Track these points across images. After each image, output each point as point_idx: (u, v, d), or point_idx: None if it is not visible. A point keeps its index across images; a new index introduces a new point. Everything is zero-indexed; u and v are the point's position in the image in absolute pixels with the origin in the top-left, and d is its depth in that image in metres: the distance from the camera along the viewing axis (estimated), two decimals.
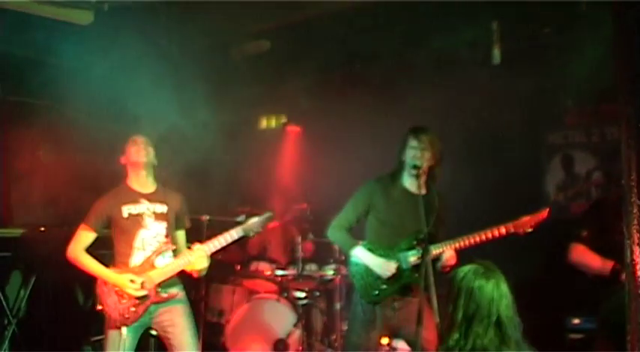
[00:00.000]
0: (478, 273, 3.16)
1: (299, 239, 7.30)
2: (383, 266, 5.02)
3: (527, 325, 3.21)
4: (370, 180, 5.31)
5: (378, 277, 5.04)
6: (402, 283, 5.04)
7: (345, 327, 6.47)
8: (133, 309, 5.05)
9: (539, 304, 5.96)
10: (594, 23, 5.40)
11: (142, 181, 5.32)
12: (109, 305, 5.06)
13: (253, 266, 7.48)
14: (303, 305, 7.04)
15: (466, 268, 3.22)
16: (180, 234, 5.48)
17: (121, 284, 5.05)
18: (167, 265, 5.15)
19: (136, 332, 5.12)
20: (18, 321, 6.86)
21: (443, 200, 5.07)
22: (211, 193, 7.31)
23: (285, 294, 6.98)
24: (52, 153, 7.36)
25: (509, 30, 6.38)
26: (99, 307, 5.12)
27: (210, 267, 5.35)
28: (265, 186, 8.29)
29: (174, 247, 5.27)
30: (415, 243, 5.01)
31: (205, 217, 6.59)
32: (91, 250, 5.22)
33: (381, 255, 5.07)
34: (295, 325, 6.74)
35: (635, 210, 2.99)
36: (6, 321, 6.80)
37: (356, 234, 5.28)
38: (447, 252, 4.93)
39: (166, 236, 5.26)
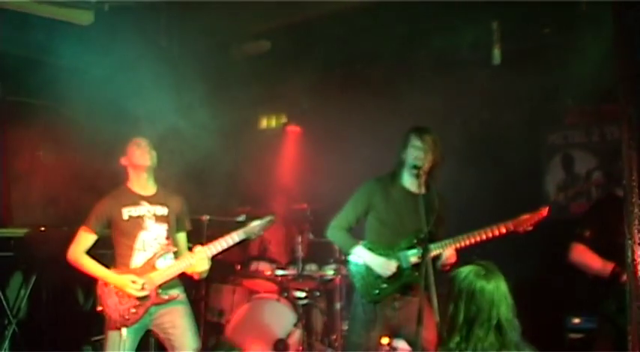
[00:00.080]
0: (479, 275, 3.15)
1: (299, 239, 7.30)
2: (383, 266, 5.02)
3: (527, 325, 3.21)
4: (370, 179, 5.31)
5: (379, 276, 5.04)
6: (403, 282, 5.04)
7: (345, 327, 6.48)
8: (133, 310, 5.04)
9: (540, 304, 5.97)
10: (594, 23, 5.40)
11: (143, 183, 5.32)
12: (110, 306, 5.06)
13: (253, 266, 7.48)
14: (304, 305, 7.04)
15: (467, 269, 3.21)
16: (181, 237, 5.47)
17: (122, 284, 5.04)
18: (168, 267, 5.15)
19: (136, 333, 5.11)
20: (18, 321, 6.86)
21: (442, 199, 5.07)
22: (211, 193, 7.31)
23: (286, 294, 6.98)
24: (52, 154, 7.37)
25: (509, 30, 6.38)
26: (99, 308, 5.12)
27: (210, 268, 5.36)
28: (265, 186, 8.29)
29: (175, 249, 5.26)
30: (415, 242, 5.02)
31: (205, 217, 6.60)
32: (91, 250, 5.22)
33: (381, 255, 5.07)
34: (295, 325, 6.74)
35: (636, 211, 2.99)
36: (6, 321, 6.80)
37: (355, 234, 5.28)
38: (447, 251, 4.94)
39: (167, 238, 5.26)
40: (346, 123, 7.72)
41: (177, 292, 5.22)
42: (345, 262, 5.56)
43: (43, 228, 6.90)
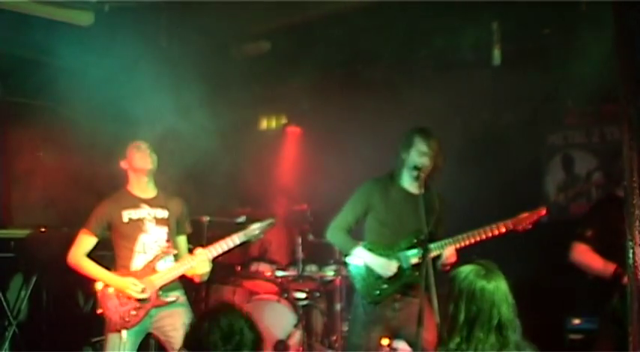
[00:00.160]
0: (479, 275, 3.13)
1: (299, 240, 7.29)
2: (384, 266, 5.02)
3: (527, 325, 3.21)
4: (368, 180, 5.31)
5: (379, 277, 5.04)
6: (403, 282, 5.05)
7: (345, 328, 6.48)
8: (133, 313, 5.04)
9: (540, 304, 5.96)
10: (594, 24, 5.39)
11: (143, 186, 5.32)
12: (110, 308, 5.06)
13: (253, 267, 7.47)
14: (304, 306, 7.03)
15: (467, 269, 3.19)
16: (182, 240, 5.48)
17: (122, 287, 5.04)
18: (169, 269, 5.15)
19: (136, 336, 5.11)
20: (18, 322, 6.86)
21: (442, 199, 5.09)
22: (211, 194, 7.31)
23: (286, 295, 6.97)
24: (52, 154, 7.36)
25: (509, 31, 6.37)
26: (99, 311, 5.11)
27: (210, 269, 5.36)
28: (265, 186, 8.29)
29: (175, 252, 5.26)
30: (415, 242, 5.02)
31: (206, 218, 6.59)
32: (91, 252, 5.22)
33: (381, 255, 5.08)
34: (295, 326, 6.73)
35: (637, 212, 2.98)
36: (6, 322, 6.80)
37: (354, 235, 5.29)
38: (447, 250, 4.94)
39: (167, 241, 5.26)
40: (346, 123, 7.72)
41: (177, 294, 5.21)
42: (345, 263, 5.56)
43: (43, 229, 6.90)
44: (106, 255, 5.27)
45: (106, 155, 5.87)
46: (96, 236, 5.21)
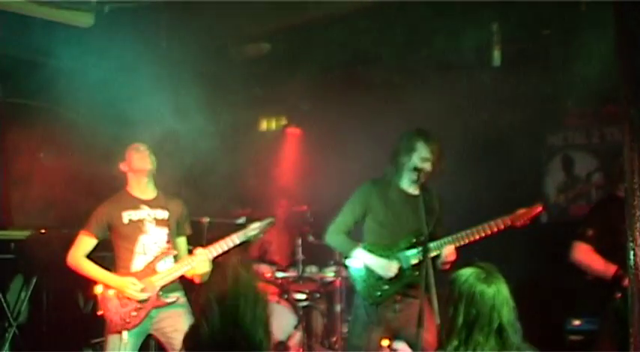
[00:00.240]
0: (479, 278, 3.11)
1: (299, 241, 7.29)
2: (385, 267, 5.03)
3: (527, 326, 3.20)
4: (366, 182, 5.31)
5: (380, 278, 5.05)
6: (404, 283, 5.05)
7: (345, 329, 6.49)
8: (134, 314, 5.04)
9: (540, 305, 5.97)
10: (595, 24, 5.40)
11: (143, 188, 5.32)
12: (110, 309, 5.05)
13: (253, 268, 7.47)
14: (304, 307, 7.03)
15: (467, 272, 3.16)
16: (182, 241, 5.47)
17: (122, 286, 5.04)
18: (169, 270, 5.15)
19: (137, 337, 5.11)
20: (18, 324, 6.85)
21: (440, 200, 5.10)
22: (211, 196, 7.29)
23: (286, 296, 6.97)
24: (52, 155, 7.35)
25: (509, 32, 6.38)
26: (100, 312, 5.11)
27: (210, 271, 5.35)
28: (265, 187, 8.28)
29: (175, 252, 5.26)
30: (414, 241, 5.03)
31: (205, 219, 6.58)
32: (91, 253, 5.21)
33: (381, 256, 5.08)
34: (296, 327, 6.73)
35: (638, 213, 2.97)
36: (7, 324, 6.79)
37: (353, 236, 5.29)
38: (446, 249, 4.96)
39: (167, 242, 5.25)
40: (346, 124, 7.72)
41: (177, 295, 5.21)
42: (346, 265, 5.56)
43: (43, 231, 6.89)
44: (106, 256, 5.27)
45: (105, 156, 5.87)
46: (96, 237, 5.21)
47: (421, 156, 5.05)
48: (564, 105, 7.16)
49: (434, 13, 6.08)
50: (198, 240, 5.76)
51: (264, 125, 9.13)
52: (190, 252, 5.33)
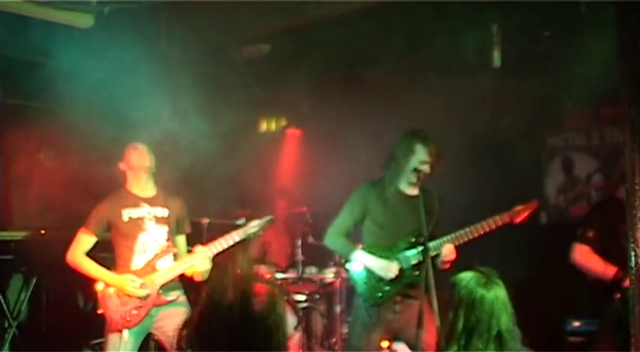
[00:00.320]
0: (479, 283, 3.11)
1: (299, 242, 7.29)
2: (385, 268, 5.02)
3: (527, 328, 3.20)
4: (363, 184, 5.31)
5: (381, 279, 5.04)
6: (405, 283, 5.05)
7: (345, 330, 6.48)
8: (135, 312, 5.04)
9: (540, 307, 5.97)
10: (595, 25, 5.41)
11: (143, 186, 5.32)
12: (110, 308, 5.05)
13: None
14: (304, 308, 7.03)
15: (467, 276, 3.17)
16: (181, 239, 5.48)
17: (121, 284, 5.04)
18: (169, 268, 5.15)
19: (137, 336, 5.11)
20: (18, 324, 6.85)
21: (439, 200, 5.10)
22: (211, 197, 7.30)
23: (285, 297, 6.96)
24: (52, 156, 7.34)
25: (509, 33, 6.38)
26: (100, 311, 5.11)
27: (210, 272, 5.35)
28: (265, 189, 8.28)
29: (175, 250, 5.26)
30: (413, 241, 5.04)
31: (205, 220, 6.59)
32: (92, 253, 5.21)
33: (381, 257, 5.07)
34: (295, 328, 6.73)
35: (639, 214, 2.97)
36: (6, 324, 6.79)
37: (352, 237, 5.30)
38: (445, 248, 4.96)
39: (167, 239, 5.26)
40: (346, 125, 7.71)
41: (177, 293, 5.21)
42: (346, 268, 5.56)
43: (43, 232, 6.88)
44: (107, 257, 5.27)
45: (105, 157, 5.88)
46: (95, 235, 5.21)
47: (419, 159, 5.05)
48: (564, 106, 7.16)
49: (434, 14, 6.09)
50: (197, 240, 5.75)
51: (263, 126, 9.13)
52: (190, 251, 5.33)
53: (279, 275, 7.17)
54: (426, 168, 5.05)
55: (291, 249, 7.68)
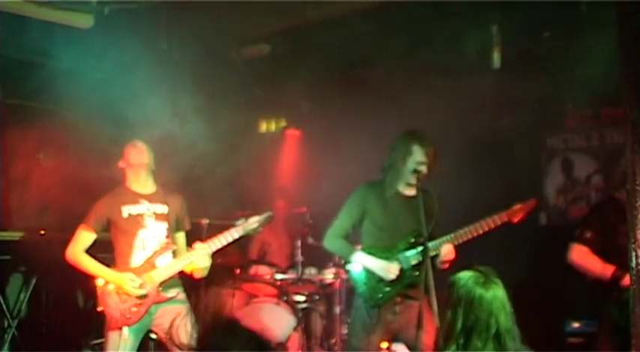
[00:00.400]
0: (478, 283, 3.11)
1: (298, 243, 7.28)
2: (386, 269, 5.02)
3: (527, 329, 3.20)
4: (361, 185, 5.31)
5: (381, 280, 5.04)
6: (405, 284, 5.05)
7: (344, 331, 6.48)
8: (134, 309, 5.04)
9: (539, 307, 5.97)
10: (595, 26, 5.41)
11: (142, 183, 5.33)
12: (110, 305, 5.06)
13: (253, 269, 7.46)
14: (303, 308, 7.03)
15: (466, 276, 3.17)
16: (180, 236, 5.48)
17: (120, 282, 5.04)
18: (168, 265, 5.15)
19: (137, 333, 5.11)
20: (18, 324, 6.85)
21: (436, 199, 5.11)
22: (211, 197, 7.30)
23: (285, 298, 6.96)
24: (51, 157, 7.35)
25: (509, 34, 6.38)
26: (99, 308, 5.11)
27: (210, 271, 5.36)
28: (265, 189, 8.28)
29: (175, 247, 5.27)
30: (413, 241, 5.04)
31: (205, 221, 6.58)
32: (91, 254, 5.21)
33: (381, 258, 5.07)
34: (295, 329, 6.72)
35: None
36: (6, 324, 6.80)
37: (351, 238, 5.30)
38: (444, 248, 4.96)
39: (167, 236, 5.26)
40: (346, 126, 7.71)
41: (177, 290, 5.21)
42: (344, 266, 5.56)
43: (42, 232, 6.88)
44: (107, 257, 5.26)
45: (104, 157, 5.88)
46: (95, 231, 5.22)
47: (417, 160, 5.05)
48: (564, 107, 7.16)
49: (434, 15, 6.09)
50: (197, 241, 5.75)
51: (263, 126, 9.14)
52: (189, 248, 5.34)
53: (279, 276, 7.16)
54: (423, 168, 5.04)
55: (290, 249, 7.68)
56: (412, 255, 5.03)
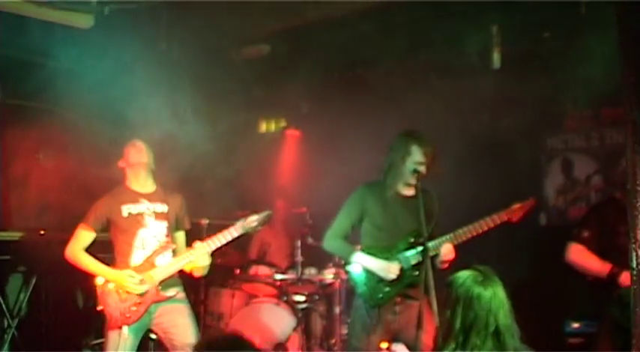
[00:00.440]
0: (476, 281, 3.14)
1: (298, 243, 7.28)
2: (386, 269, 5.02)
3: (526, 329, 3.21)
4: (360, 186, 5.31)
5: (381, 280, 5.04)
6: (405, 283, 5.04)
7: (344, 331, 6.48)
8: (134, 308, 5.05)
9: (539, 308, 5.97)
10: (595, 27, 5.41)
11: (142, 182, 5.34)
12: (110, 304, 5.06)
13: (253, 270, 7.46)
14: (303, 309, 7.03)
15: (464, 274, 3.20)
16: (180, 236, 5.49)
17: (120, 280, 5.05)
18: (168, 263, 5.16)
19: (137, 333, 5.12)
20: (18, 324, 6.85)
21: (435, 198, 5.11)
22: (211, 197, 7.30)
23: (285, 298, 6.96)
24: (51, 157, 7.35)
25: (509, 34, 6.38)
26: (99, 307, 5.11)
27: (209, 271, 5.37)
28: (265, 189, 8.27)
29: (174, 246, 5.27)
30: (412, 241, 5.04)
31: (205, 221, 6.59)
32: (92, 253, 5.22)
33: (381, 258, 5.07)
34: (295, 329, 6.72)
35: None
36: (6, 324, 6.80)
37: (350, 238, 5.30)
38: (444, 247, 4.97)
39: (167, 235, 5.26)
40: (346, 126, 7.71)
41: (177, 290, 5.21)
42: (344, 266, 5.56)
43: (42, 232, 6.88)
44: (106, 257, 5.27)
45: (104, 157, 5.88)
46: (94, 230, 5.23)
47: (415, 160, 5.05)
48: (564, 107, 7.16)
49: (434, 16, 6.09)
50: (197, 241, 5.76)
51: (263, 126, 9.15)
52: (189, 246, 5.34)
53: (279, 276, 7.16)
54: (422, 168, 5.05)
55: (290, 249, 7.68)
56: (412, 255, 5.03)
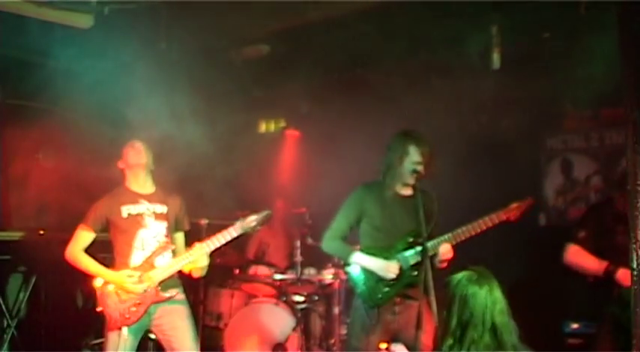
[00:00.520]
0: (471, 280, 3.19)
1: (298, 243, 7.28)
2: (385, 268, 5.02)
3: (526, 329, 3.22)
4: (359, 186, 5.31)
5: (380, 280, 5.04)
6: (404, 283, 5.04)
7: (343, 331, 6.49)
8: (134, 309, 5.05)
9: (538, 308, 5.97)
10: (594, 27, 5.41)
11: (141, 183, 5.34)
12: (110, 305, 5.06)
13: (252, 270, 7.46)
14: (302, 309, 7.04)
15: (460, 275, 3.26)
16: (179, 236, 5.49)
17: (119, 280, 5.05)
18: (167, 264, 5.16)
19: (136, 333, 5.11)
20: (17, 324, 6.85)
21: (434, 198, 5.11)
22: (210, 197, 7.30)
23: (284, 298, 6.97)
24: (51, 157, 7.35)
25: (509, 34, 6.38)
26: (99, 309, 5.11)
27: (208, 271, 5.37)
28: (264, 189, 8.27)
29: (173, 246, 5.28)
30: (411, 241, 5.03)
31: (204, 221, 6.59)
32: (92, 253, 5.21)
33: (380, 258, 5.07)
34: (294, 329, 6.72)
35: None
36: (5, 324, 6.80)
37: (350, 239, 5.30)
38: (443, 247, 4.97)
39: (166, 236, 5.26)
40: (345, 127, 7.71)
41: (176, 290, 5.21)
42: (343, 266, 5.56)
43: (42, 232, 6.89)
44: (106, 257, 5.27)
45: (104, 157, 5.88)
46: (94, 231, 5.23)
47: (413, 160, 5.05)
48: (564, 108, 7.17)
49: (434, 16, 6.08)
50: (196, 241, 5.76)
51: (263, 127, 9.15)
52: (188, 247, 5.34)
53: (278, 276, 7.18)
54: (420, 168, 5.05)
55: (289, 249, 7.68)
56: (411, 255, 5.03)
